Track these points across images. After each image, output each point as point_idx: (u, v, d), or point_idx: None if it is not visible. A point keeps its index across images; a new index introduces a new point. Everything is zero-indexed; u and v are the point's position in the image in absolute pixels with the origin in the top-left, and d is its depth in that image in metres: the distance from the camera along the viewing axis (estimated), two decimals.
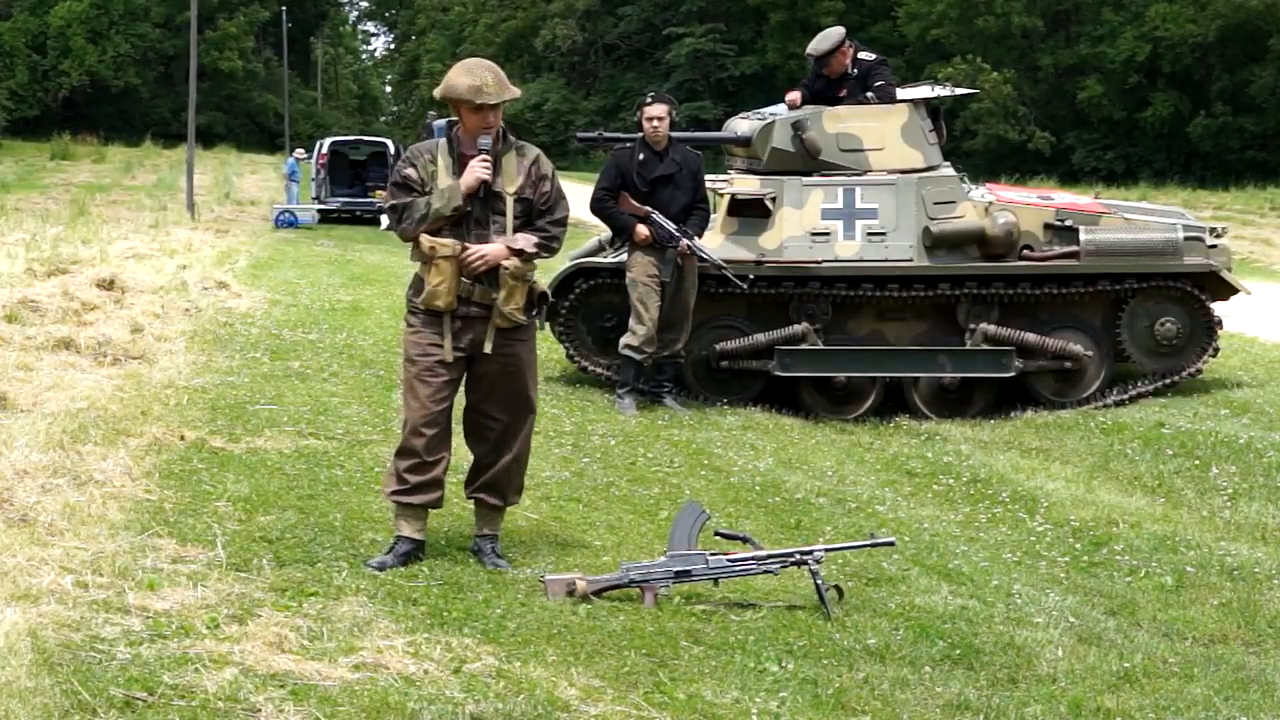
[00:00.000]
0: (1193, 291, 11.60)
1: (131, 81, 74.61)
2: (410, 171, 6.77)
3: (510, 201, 6.71)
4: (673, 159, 11.27)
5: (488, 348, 6.73)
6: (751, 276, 11.43)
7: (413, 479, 6.82)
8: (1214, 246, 11.76)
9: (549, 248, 6.83)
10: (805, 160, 11.84)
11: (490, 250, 6.64)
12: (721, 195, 11.95)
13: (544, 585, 6.71)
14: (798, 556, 6.94)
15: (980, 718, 5.72)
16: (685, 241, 11.05)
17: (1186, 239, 11.55)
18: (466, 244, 6.65)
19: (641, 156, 11.23)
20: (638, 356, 11.20)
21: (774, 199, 11.69)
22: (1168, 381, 11.74)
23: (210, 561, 6.55)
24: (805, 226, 11.67)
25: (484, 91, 6.55)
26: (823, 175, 11.81)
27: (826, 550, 7.05)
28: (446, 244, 6.63)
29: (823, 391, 11.75)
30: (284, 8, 79.69)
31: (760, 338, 11.67)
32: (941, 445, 10.75)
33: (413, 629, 5.99)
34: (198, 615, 5.83)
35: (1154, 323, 11.67)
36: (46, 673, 5.07)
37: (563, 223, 6.90)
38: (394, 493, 6.88)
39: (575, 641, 6.09)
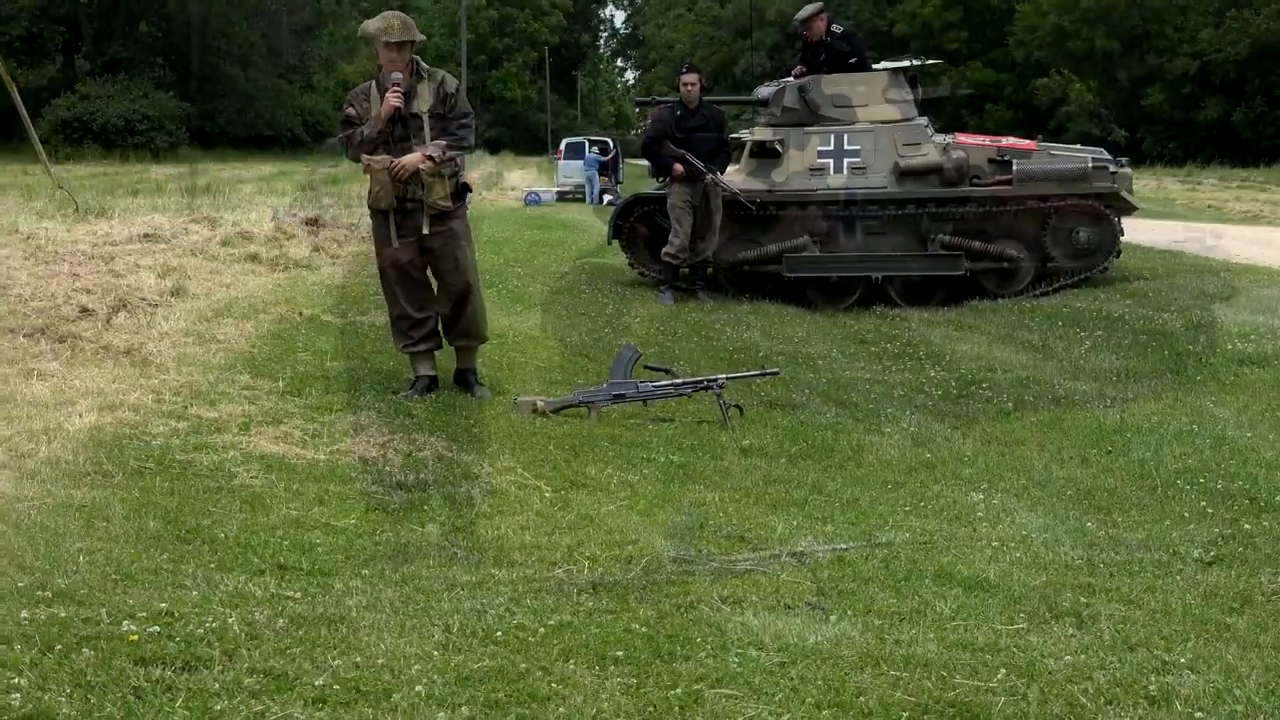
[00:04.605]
0: (1100, 208, 11.05)
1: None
2: (350, 111, 6.74)
3: (426, 119, 6.64)
4: (702, 114, 11.12)
5: (425, 230, 6.70)
6: (759, 200, 11.20)
7: (414, 334, 6.87)
8: (1115, 174, 11.16)
9: (460, 146, 6.74)
10: (808, 115, 11.55)
11: (408, 160, 6.58)
12: (745, 142, 11.75)
13: (515, 405, 6.68)
14: (705, 383, 6.82)
15: (794, 484, 5.54)
16: (710, 176, 10.90)
17: (1095, 168, 11.05)
18: (394, 159, 6.59)
19: (679, 113, 11.11)
20: (675, 261, 11.14)
21: (782, 143, 11.47)
22: (1083, 277, 11.23)
23: (271, 390, 6.50)
24: (806, 164, 11.46)
25: (390, 31, 6.51)
26: (820, 126, 11.49)
27: (728, 378, 6.91)
28: (379, 160, 6.61)
29: (820, 288, 11.49)
30: (546, 48, 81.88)
31: (772, 248, 11.47)
32: (898, 324, 10.48)
33: (395, 431, 5.91)
34: (236, 420, 5.81)
35: (1071, 232, 11.17)
36: (89, 452, 5.07)
37: (468, 124, 6.77)
38: (404, 347, 6.93)
39: (518, 441, 6.02)
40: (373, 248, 7.12)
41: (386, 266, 6.81)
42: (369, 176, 6.70)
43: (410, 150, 6.62)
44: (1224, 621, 3.73)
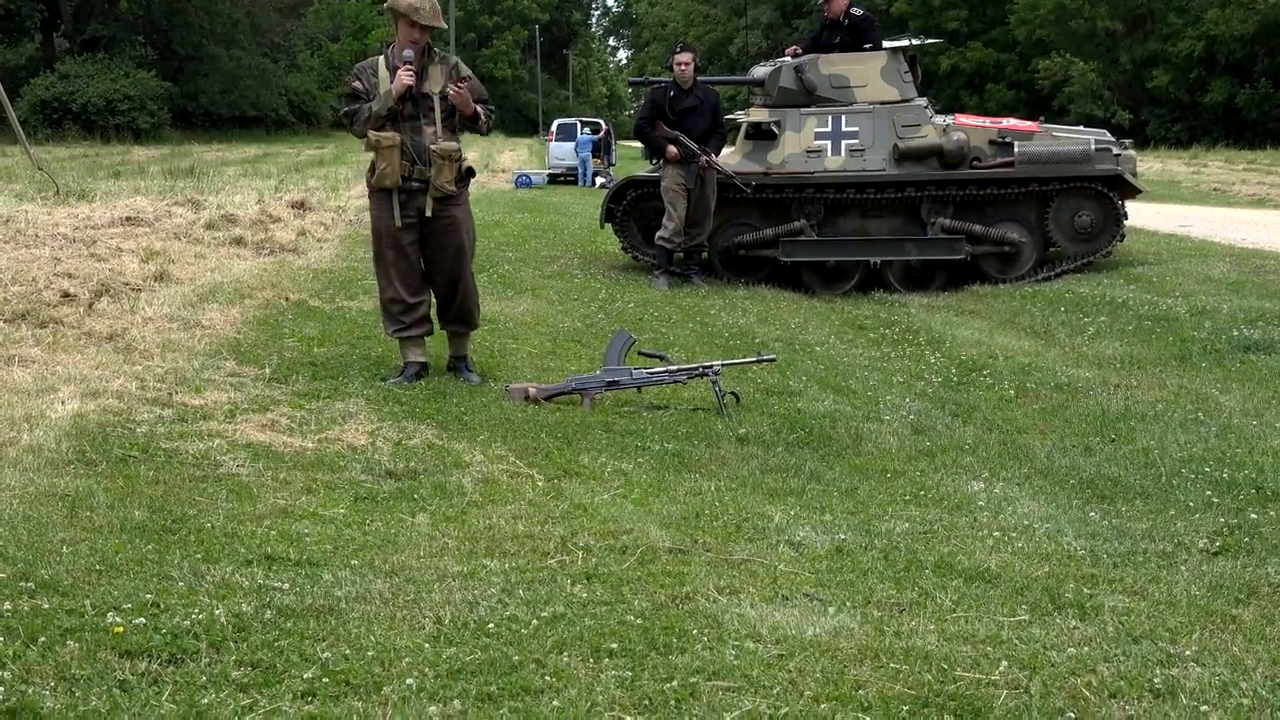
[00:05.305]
0: (1103, 190, 11.07)
1: None
2: (357, 85, 6.72)
3: (436, 100, 6.64)
4: (696, 95, 11.09)
5: (429, 213, 6.68)
6: (754, 184, 11.17)
7: (405, 319, 6.83)
8: (1119, 156, 11.16)
9: (489, 107, 6.77)
10: (805, 95, 11.52)
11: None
12: (740, 123, 11.72)
13: (507, 392, 6.66)
14: (701, 369, 6.81)
15: (791, 473, 5.53)
16: (704, 158, 10.87)
17: (1098, 150, 11.06)
18: (404, 138, 6.56)
19: (672, 93, 11.08)
20: (669, 246, 11.11)
21: (779, 124, 11.45)
22: (1085, 261, 11.23)
23: (258, 376, 6.46)
24: (803, 146, 11.44)
25: (420, 13, 6.49)
26: (817, 107, 11.47)
27: (724, 365, 6.91)
28: (389, 136, 6.59)
29: (818, 273, 11.50)
30: (537, 27, 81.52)
31: (769, 232, 11.47)
32: (897, 309, 10.48)
33: (384, 418, 5.90)
34: (222, 408, 5.79)
35: (1074, 215, 11.20)
36: (72, 440, 5.05)
37: (489, 104, 6.82)
38: (395, 331, 6.89)
39: (510, 428, 5.99)
40: (368, 230, 7.08)
41: (385, 247, 6.78)
42: (373, 154, 6.67)
43: (420, 131, 6.62)
44: (1230, 613, 3.74)
